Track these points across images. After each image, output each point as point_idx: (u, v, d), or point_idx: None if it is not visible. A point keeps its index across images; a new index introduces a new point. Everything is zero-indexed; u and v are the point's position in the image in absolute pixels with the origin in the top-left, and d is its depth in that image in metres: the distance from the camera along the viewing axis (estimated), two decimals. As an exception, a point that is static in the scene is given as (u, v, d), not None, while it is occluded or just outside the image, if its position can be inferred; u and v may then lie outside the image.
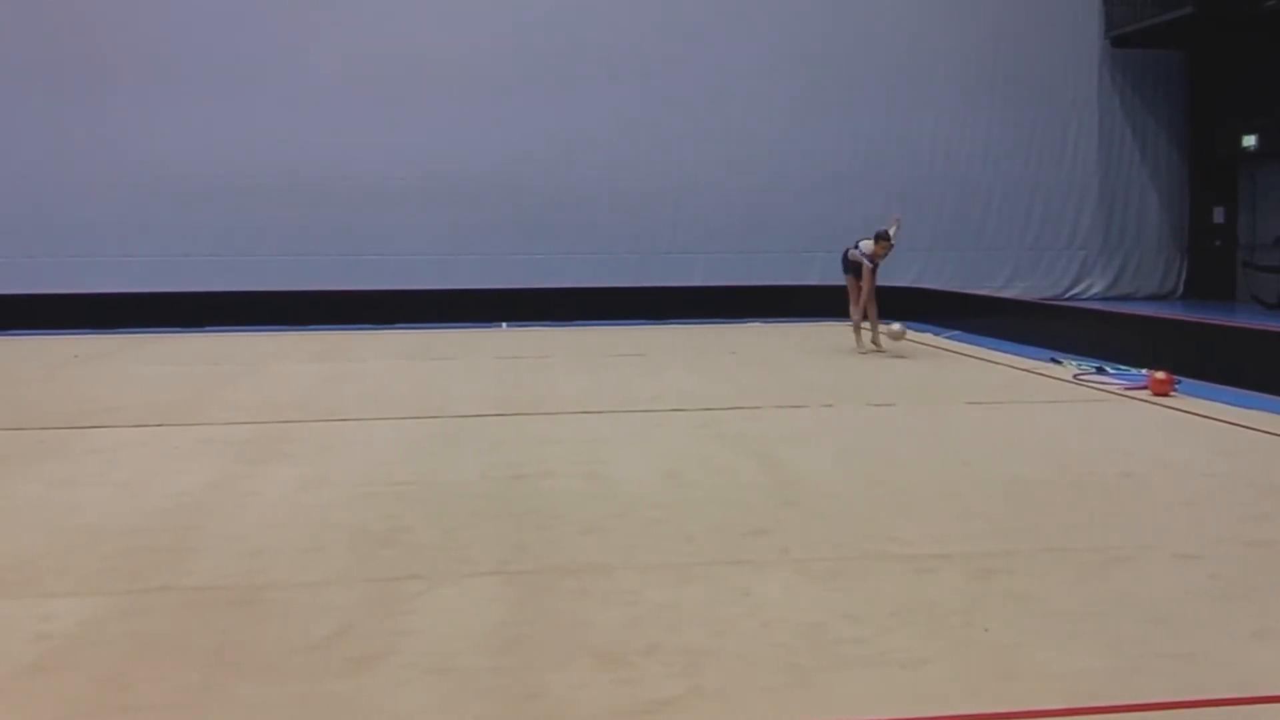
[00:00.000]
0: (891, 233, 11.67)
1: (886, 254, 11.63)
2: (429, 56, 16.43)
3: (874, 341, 11.74)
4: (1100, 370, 9.85)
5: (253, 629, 3.61)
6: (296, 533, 4.73)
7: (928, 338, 13.15)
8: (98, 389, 9.26)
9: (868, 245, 11.52)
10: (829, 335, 13.61)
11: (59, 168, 15.76)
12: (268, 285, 15.63)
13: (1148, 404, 8.21)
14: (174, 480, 5.73)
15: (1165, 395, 8.39)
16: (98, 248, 15.78)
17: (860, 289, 11.54)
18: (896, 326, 11.73)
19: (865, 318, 11.63)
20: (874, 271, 11.62)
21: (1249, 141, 16.83)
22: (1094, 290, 18.42)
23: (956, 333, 13.47)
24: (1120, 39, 17.99)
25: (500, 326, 15.11)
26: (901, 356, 11.34)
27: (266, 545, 4.55)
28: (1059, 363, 10.42)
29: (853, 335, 11.79)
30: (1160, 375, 8.57)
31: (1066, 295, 18.10)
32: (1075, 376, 9.64)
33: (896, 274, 17.30)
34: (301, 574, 4.20)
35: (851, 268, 11.69)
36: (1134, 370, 9.48)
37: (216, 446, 6.64)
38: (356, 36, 16.34)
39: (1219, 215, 18.40)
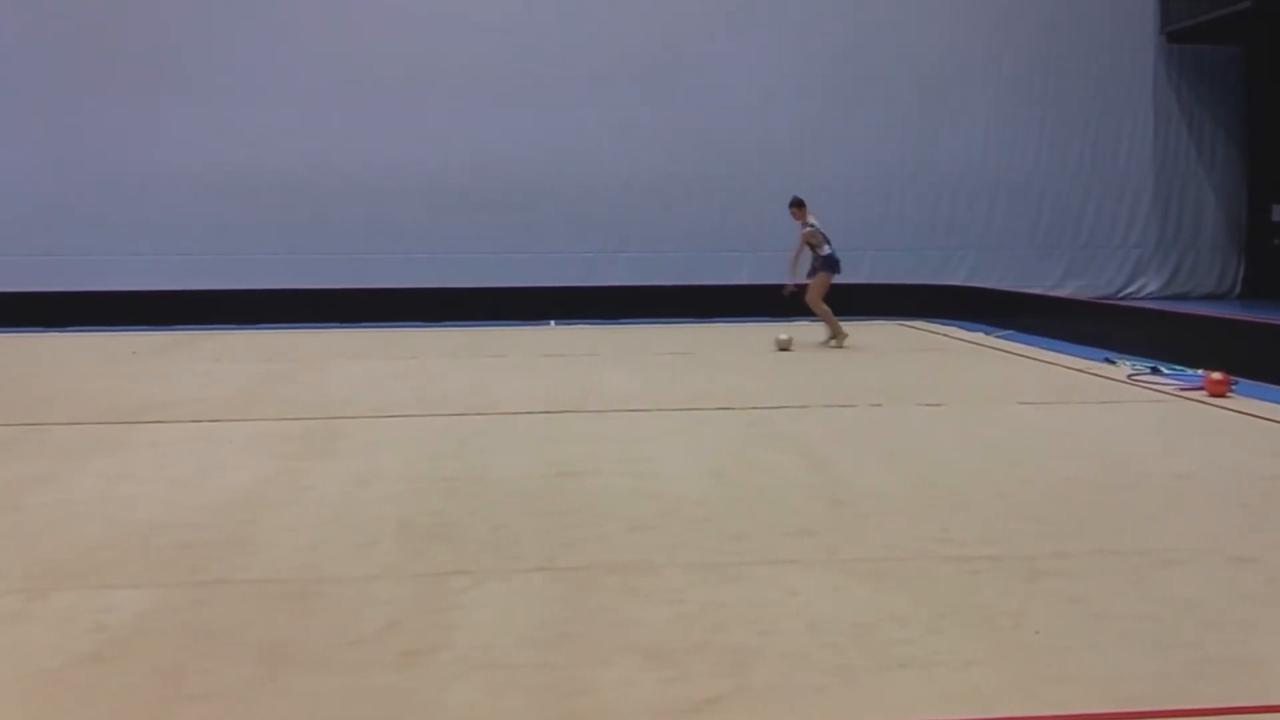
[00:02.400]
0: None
1: (812, 235, 11.63)
2: (478, 54, 16.53)
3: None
4: (1155, 371, 9.71)
5: (305, 622, 3.66)
6: (347, 527, 4.79)
7: (979, 337, 13.03)
8: (154, 384, 9.43)
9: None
10: (877, 334, 13.54)
11: (118, 166, 16.06)
12: (319, 283, 15.83)
13: (1204, 405, 8.07)
14: (229, 475, 5.83)
15: (1222, 396, 8.25)
16: (156, 246, 16.05)
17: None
18: (783, 337, 11.67)
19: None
20: (826, 262, 11.62)
21: (1309, 138, 16.51)
22: (1149, 289, 18.14)
23: (1009, 332, 13.33)
24: (1176, 34, 17.70)
25: (549, 324, 15.18)
26: (953, 356, 11.24)
27: (318, 540, 4.61)
28: (1113, 363, 10.29)
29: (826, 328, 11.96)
30: (1216, 376, 8.43)
31: (1121, 294, 17.84)
32: (1130, 377, 9.51)
33: (947, 273, 17.27)
34: (352, 568, 4.25)
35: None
36: (1190, 371, 9.34)
37: (270, 442, 6.74)
38: (407, 36, 16.47)
39: (1277, 213, 18.04)
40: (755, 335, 13.52)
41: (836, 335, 12.00)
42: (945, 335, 13.51)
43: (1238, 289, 18.48)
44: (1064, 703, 3.01)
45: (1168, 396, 8.48)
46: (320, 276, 15.95)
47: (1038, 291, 15.65)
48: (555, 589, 4.00)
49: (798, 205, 11.81)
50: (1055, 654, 3.34)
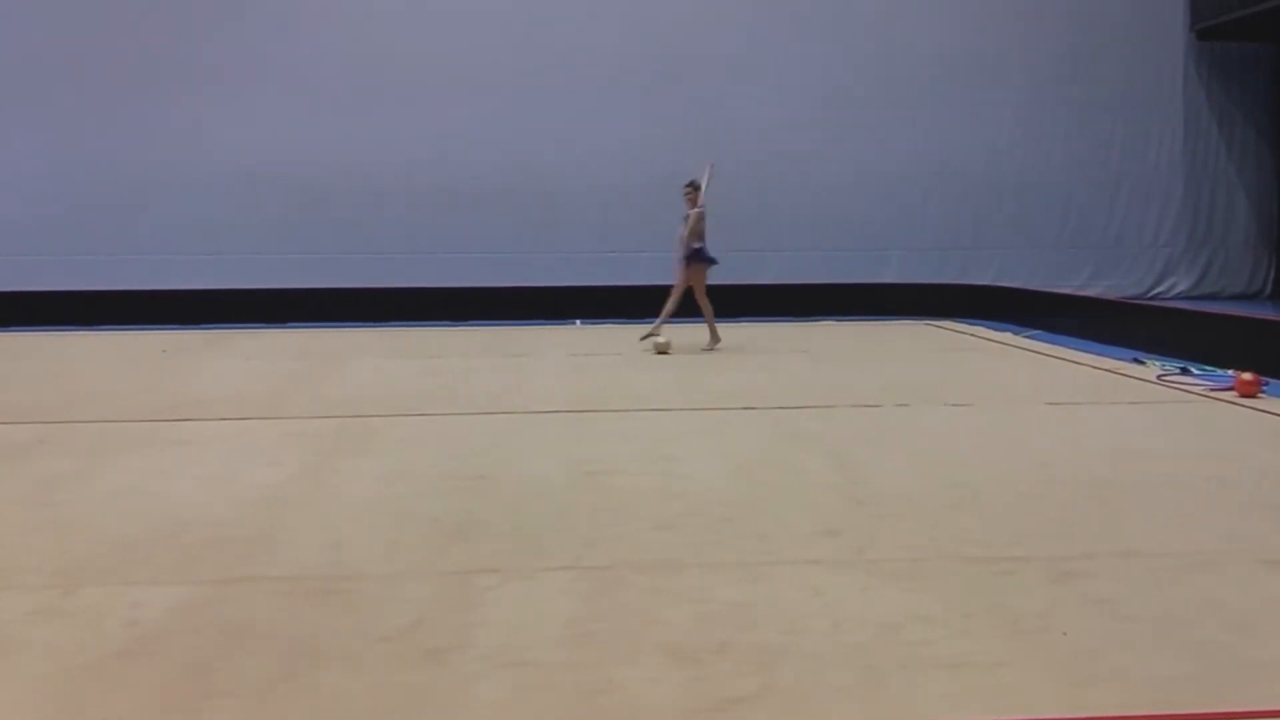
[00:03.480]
0: (703, 182, 11.19)
1: (699, 220, 11.13)
2: (504, 55, 16.57)
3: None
4: (1185, 371, 9.63)
5: (332, 619, 3.69)
6: (375, 525, 4.83)
7: (1007, 337, 12.96)
8: (185, 382, 9.51)
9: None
10: (904, 334, 13.49)
11: (145, 167, 16.18)
12: (348, 283, 15.93)
13: (1234, 406, 8.00)
14: (259, 473, 5.87)
15: (1252, 397, 8.17)
16: (184, 245, 16.17)
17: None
18: (662, 340, 11.25)
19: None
20: (695, 254, 11.17)
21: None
22: (1178, 289, 17.97)
23: (1036, 332, 13.25)
24: (1206, 31, 17.52)
25: (574, 324, 15.21)
26: (980, 356, 11.19)
27: (346, 537, 4.64)
28: (1142, 363, 10.21)
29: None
30: (1247, 376, 8.35)
31: (1150, 294, 17.68)
32: (1159, 377, 9.44)
33: (974, 273, 17.16)
34: (379, 566, 4.28)
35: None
36: (1220, 371, 9.26)
37: (299, 440, 6.78)
38: (436, 38, 16.53)
39: (1310, 213, 17.88)
40: (780, 335, 13.50)
41: (713, 336, 11.63)
42: (972, 335, 13.45)
43: (1268, 289, 18.28)
44: (1092, 705, 3.00)
45: (1197, 397, 8.41)
46: (349, 276, 16.03)
47: (1066, 291, 15.54)
48: (580, 587, 4.01)
49: (692, 188, 11.32)
50: (1083, 656, 3.32)
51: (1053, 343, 12.28)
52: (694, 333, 11.68)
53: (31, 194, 16.02)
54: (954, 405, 8.11)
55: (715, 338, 11.65)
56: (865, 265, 16.94)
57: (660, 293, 15.89)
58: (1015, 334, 13.25)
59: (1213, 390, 8.60)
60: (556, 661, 3.32)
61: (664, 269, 16.49)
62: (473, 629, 3.58)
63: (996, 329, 13.91)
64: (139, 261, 16.03)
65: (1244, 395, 8.22)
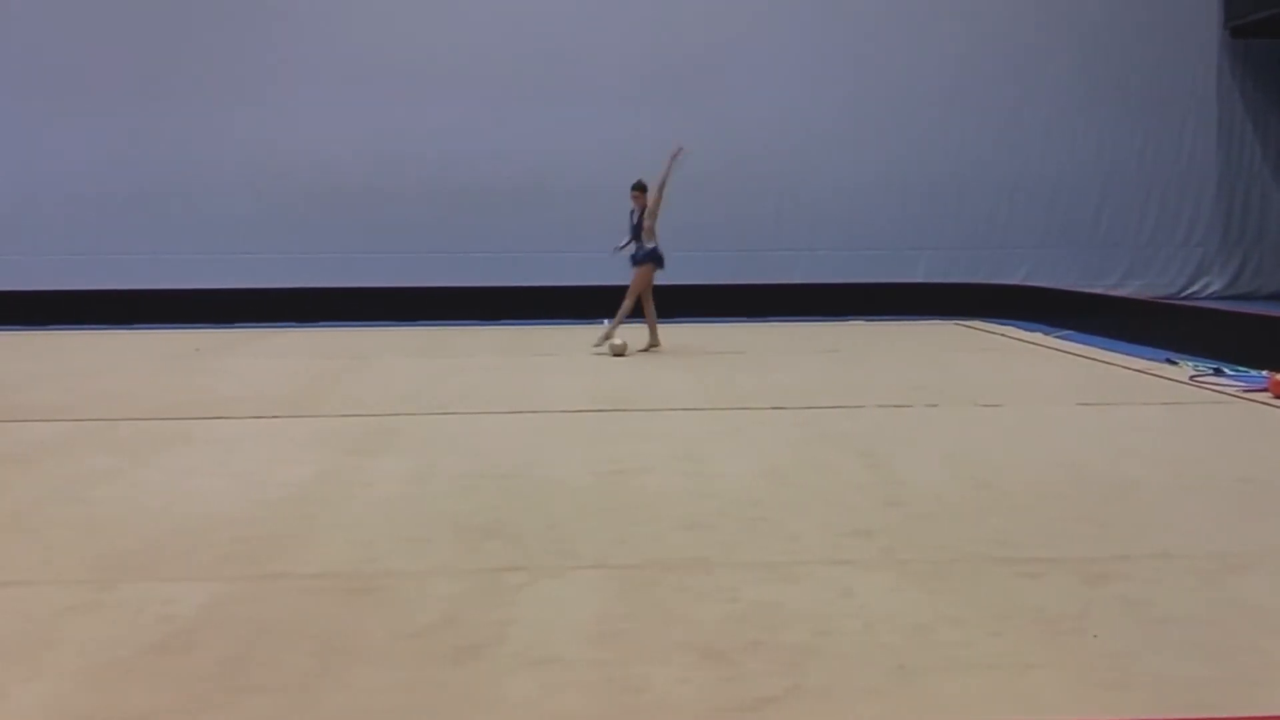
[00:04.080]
0: (665, 170, 10.92)
1: (652, 217, 10.88)
2: (529, 54, 16.61)
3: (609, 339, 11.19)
4: (1218, 371, 9.53)
5: (363, 616, 3.71)
6: (405, 523, 4.85)
7: (1038, 337, 12.87)
8: (217, 381, 9.59)
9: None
10: (934, 334, 13.43)
11: (180, 166, 16.33)
12: (376, 282, 16.01)
13: (1268, 407, 7.91)
14: (290, 470, 5.92)
15: (1288, 398, 8.09)
16: (217, 245, 16.32)
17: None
18: (618, 342, 11.11)
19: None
20: (649, 255, 10.99)
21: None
22: (1212, 289, 17.78)
23: (1068, 332, 13.15)
24: (1239, 29, 17.31)
25: (602, 324, 15.19)
26: (1010, 357, 11.12)
27: (376, 535, 4.67)
28: (1175, 363, 10.11)
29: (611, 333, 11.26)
30: (1282, 377, 8.27)
31: (1183, 294, 17.51)
32: (1192, 378, 9.35)
33: (1005, 272, 17.05)
34: (409, 563, 4.30)
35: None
36: (1254, 372, 9.16)
37: (328, 438, 6.83)
38: (462, 35, 16.59)
39: (1346, 211, 17.64)
40: (809, 335, 13.47)
41: (653, 338, 11.51)
42: (1003, 335, 13.36)
43: (1304, 289, 18.09)
44: (1125, 708, 2.97)
45: (1231, 398, 8.32)
46: (376, 276, 16.13)
47: (1098, 291, 15.42)
48: (610, 586, 4.01)
49: (640, 190, 11.15)
50: (1116, 658, 3.30)
51: (1084, 343, 12.18)
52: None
53: (66, 195, 16.21)
54: (985, 405, 8.07)
55: (654, 339, 11.52)
56: (895, 265, 16.87)
57: (690, 292, 15.95)
58: (1046, 334, 13.15)
59: (1246, 391, 8.51)
60: (586, 660, 3.33)
61: (696, 268, 16.55)
62: (502, 627, 3.60)
63: (1027, 329, 13.82)
64: (172, 262, 16.19)
65: (1278, 396, 8.12)
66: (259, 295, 15.74)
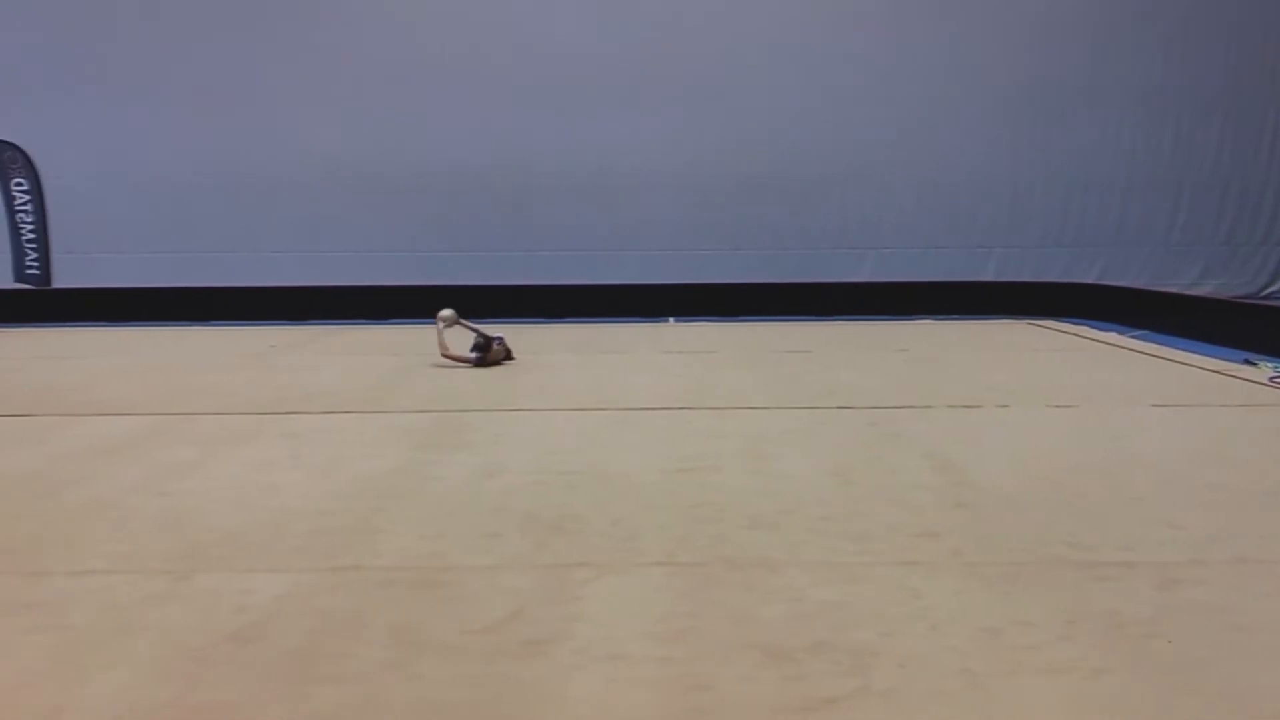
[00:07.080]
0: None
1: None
2: (599, 56, 16.69)
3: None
4: (1300, 374, 9.30)
5: (433, 609, 3.77)
6: (474, 518, 4.92)
7: (1112, 337, 12.63)
8: (292, 377, 9.77)
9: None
10: (1005, 334, 13.24)
11: (251, 166, 16.67)
12: (446, 280, 16.18)
13: (1354, 410, 7.70)
14: (362, 465, 6.02)
15: (1374, 401, 7.86)
16: (293, 243, 16.65)
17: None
18: (448, 312, 10.56)
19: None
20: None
21: None
22: (1293, 288, 17.35)
23: (1143, 332, 12.89)
24: (1324, 24, 16.85)
25: (668, 321, 15.24)
26: (1084, 357, 10.93)
27: (446, 529, 4.74)
28: (1254, 365, 9.87)
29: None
30: (1369, 380, 8.04)
31: (1263, 293, 17.06)
32: (1271, 379, 9.12)
33: (1078, 271, 16.77)
34: (478, 558, 4.36)
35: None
36: (1339, 374, 8.92)
37: (400, 434, 6.93)
38: (535, 34, 16.71)
39: None
40: (877, 333, 13.35)
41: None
42: (1076, 335, 13.13)
43: (1390, 287, 17.53)
44: (1200, 716, 2.93)
45: (1315, 401, 8.11)
46: (447, 273, 16.31)
47: (1174, 290, 15.09)
48: (675, 584, 4.03)
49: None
50: (1191, 665, 3.24)
51: (1160, 343, 11.93)
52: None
53: (143, 194, 16.64)
54: (1057, 406, 7.94)
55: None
56: (965, 263, 16.68)
57: (756, 291, 15.92)
58: (1121, 334, 12.90)
59: (1331, 394, 8.29)
60: (652, 656, 3.35)
61: (758, 266, 16.54)
62: (569, 622, 3.63)
63: (1101, 329, 13.57)
64: (248, 259, 16.54)
65: (1365, 399, 7.91)
66: (333, 293, 16.01)
